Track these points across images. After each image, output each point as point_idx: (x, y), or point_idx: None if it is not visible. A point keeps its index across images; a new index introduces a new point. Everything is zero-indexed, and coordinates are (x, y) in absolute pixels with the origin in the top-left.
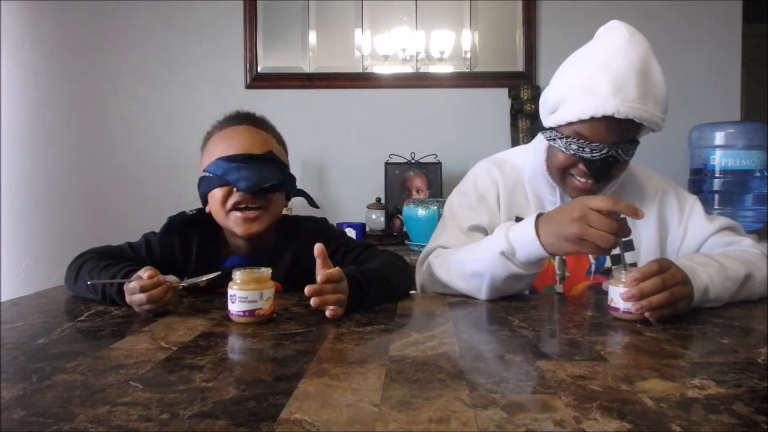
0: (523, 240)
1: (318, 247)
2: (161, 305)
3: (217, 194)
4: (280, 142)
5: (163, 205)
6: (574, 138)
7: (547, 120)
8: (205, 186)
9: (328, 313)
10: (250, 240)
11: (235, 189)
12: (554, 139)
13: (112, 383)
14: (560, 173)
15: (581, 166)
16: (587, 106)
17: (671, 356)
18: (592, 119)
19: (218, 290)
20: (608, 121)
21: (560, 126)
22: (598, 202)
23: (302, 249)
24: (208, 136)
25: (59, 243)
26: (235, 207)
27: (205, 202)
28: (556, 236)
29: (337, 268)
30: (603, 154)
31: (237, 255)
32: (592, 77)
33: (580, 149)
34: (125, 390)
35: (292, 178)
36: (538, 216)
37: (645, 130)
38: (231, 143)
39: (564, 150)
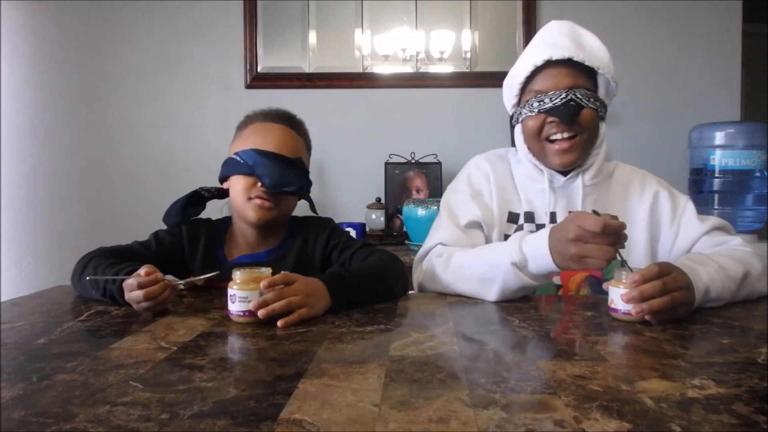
0: (537, 252)
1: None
2: (159, 303)
3: (241, 180)
4: (309, 148)
5: (163, 205)
6: (534, 98)
7: (511, 102)
8: (231, 167)
9: (279, 323)
10: (259, 227)
11: (259, 183)
12: (521, 114)
13: (112, 383)
14: (539, 143)
15: (550, 119)
16: (529, 61)
17: (671, 356)
18: (538, 70)
19: (220, 285)
20: (553, 67)
21: (520, 98)
22: (589, 223)
23: (307, 245)
24: (248, 120)
25: (59, 243)
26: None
27: (223, 179)
28: (561, 256)
29: (282, 272)
30: (563, 99)
31: (245, 254)
32: (530, 48)
33: (542, 103)
34: (125, 390)
35: (309, 185)
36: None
37: (602, 83)
38: (268, 138)
39: (530, 113)
